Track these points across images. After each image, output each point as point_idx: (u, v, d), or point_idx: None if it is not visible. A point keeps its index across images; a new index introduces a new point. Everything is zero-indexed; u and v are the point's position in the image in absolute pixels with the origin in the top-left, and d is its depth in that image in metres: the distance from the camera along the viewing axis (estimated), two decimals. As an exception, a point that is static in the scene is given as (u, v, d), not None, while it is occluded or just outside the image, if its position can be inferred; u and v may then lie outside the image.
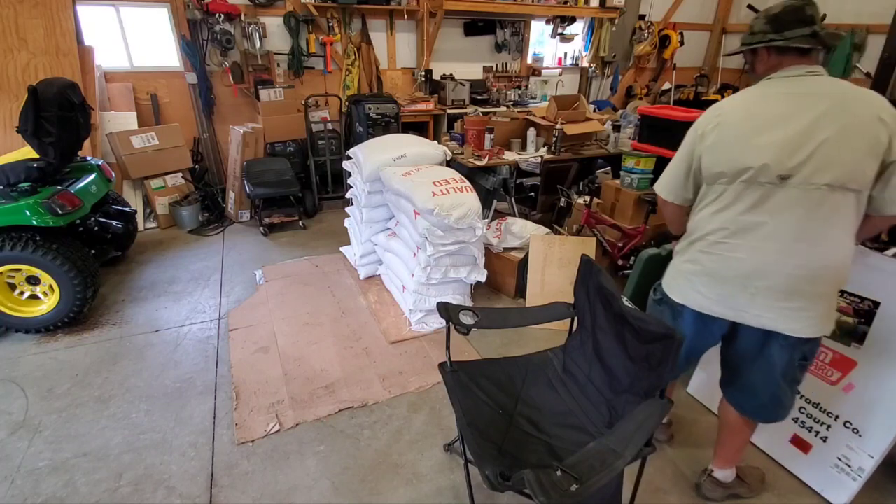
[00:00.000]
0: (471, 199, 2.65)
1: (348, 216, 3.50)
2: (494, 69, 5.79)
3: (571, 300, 1.81)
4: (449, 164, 3.30)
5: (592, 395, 1.65)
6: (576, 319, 1.81)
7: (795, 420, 1.93)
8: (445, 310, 1.64)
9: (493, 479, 1.22)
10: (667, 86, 6.41)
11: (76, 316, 2.74)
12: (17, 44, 3.57)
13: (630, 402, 1.48)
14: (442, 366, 1.69)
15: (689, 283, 1.51)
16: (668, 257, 1.67)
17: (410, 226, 2.78)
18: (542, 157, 3.68)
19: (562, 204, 3.67)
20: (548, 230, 3.26)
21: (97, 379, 2.40)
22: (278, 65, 4.70)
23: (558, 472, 1.07)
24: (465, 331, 1.60)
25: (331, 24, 4.72)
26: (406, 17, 4.97)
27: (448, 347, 1.67)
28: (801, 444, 1.92)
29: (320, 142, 4.59)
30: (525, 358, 1.85)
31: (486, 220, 3.12)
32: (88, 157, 3.27)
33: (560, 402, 1.69)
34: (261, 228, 4.16)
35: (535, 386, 1.75)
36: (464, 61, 5.60)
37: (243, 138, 4.23)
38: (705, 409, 2.27)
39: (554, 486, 1.05)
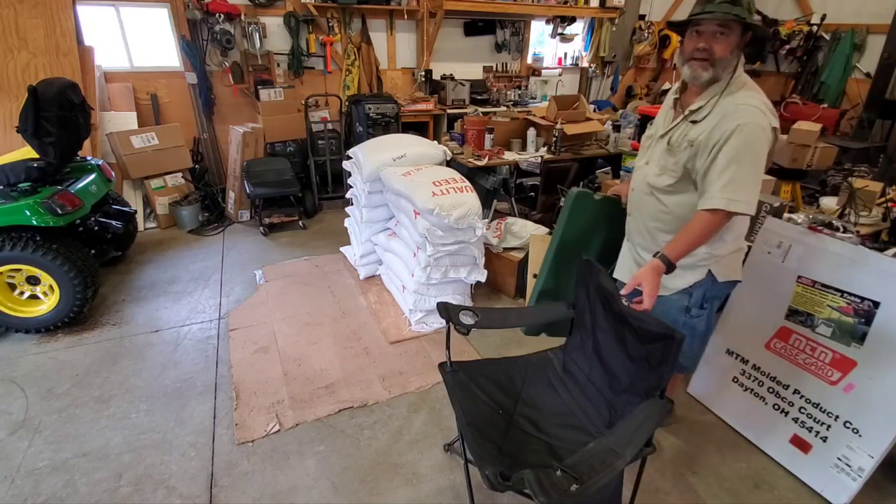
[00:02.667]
0: (471, 199, 2.65)
1: (348, 216, 3.50)
2: (494, 69, 5.79)
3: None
4: (449, 164, 3.30)
5: (592, 395, 1.65)
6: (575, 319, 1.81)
7: (795, 420, 1.94)
8: (445, 310, 1.64)
9: (493, 480, 1.22)
10: (667, 86, 6.41)
11: (76, 316, 2.74)
12: (17, 44, 3.57)
13: (630, 402, 1.47)
14: (442, 366, 1.69)
15: (739, 262, 1.71)
16: (601, 200, 1.96)
17: (410, 226, 2.78)
18: (542, 157, 3.67)
19: (562, 204, 3.67)
20: (548, 230, 3.25)
21: (97, 379, 2.40)
22: (278, 65, 4.69)
23: (558, 472, 1.07)
24: (465, 331, 1.60)
25: (331, 24, 4.72)
26: (406, 17, 4.96)
27: (448, 347, 1.67)
28: (801, 444, 1.92)
29: (320, 142, 4.59)
30: (525, 358, 1.85)
31: (486, 220, 3.12)
32: (88, 157, 3.26)
33: (560, 402, 1.69)
34: (261, 228, 4.15)
35: (535, 386, 1.75)
36: (464, 61, 5.60)
37: (243, 138, 4.22)
38: (705, 409, 2.27)
39: (554, 486, 1.05)
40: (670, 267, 1.48)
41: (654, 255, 1.51)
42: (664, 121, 1.64)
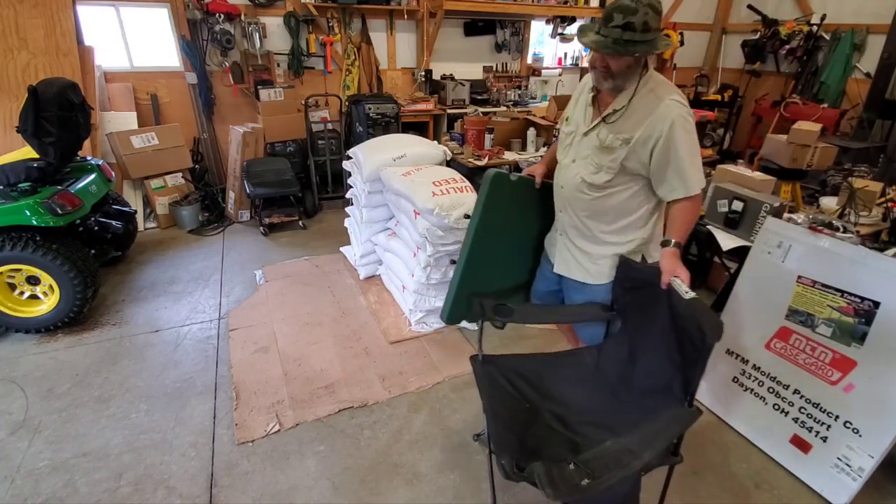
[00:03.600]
0: (471, 199, 2.65)
1: (348, 216, 3.50)
2: (494, 69, 5.79)
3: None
4: (449, 164, 3.30)
5: (624, 396, 1.64)
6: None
7: (795, 420, 1.94)
8: (480, 305, 1.67)
9: (509, 469, 1.23)
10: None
11: (76, 316, 2.74)
12: (17, 44, 3.56)
13: (663, 406, 1.45)
14: (473, 358, 1.72)
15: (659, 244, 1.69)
16: (517, 182, 1.82)
17: (410, 226, 2.78)
18: (542, 157, 3.67)
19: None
20: (548, 230, 3.25)
21: (97, 379, 2.40)
22: (278, 65, 4.69)
23: (571, 466, 1.07)
24: (501, 325, 1.67)
25: (331, 24, 4.72)
26: (406, 17, 4.96)
27: (480, 340, 1.71)
28: (801, 444, 1.92)
29: (320, 142, 4.59)
30: (556, 355, 1.86)
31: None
32: (88, 157, 3.26)
33: (589, 402, 1.68)
34: (261, 228, 4.15)
35: (564, 383, 1.74)
36: (464, 61, 5.60)
37: (243, 138, 4.22)
38: (705, 409, 2.27)
39: (564, 480, 1.05)
40: (682, 249, 1.57)
41: (665, 245, 1.56)
42: (584, 119, 1.64)
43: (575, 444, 1.52)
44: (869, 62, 5.08)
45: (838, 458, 1.80)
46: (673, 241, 1.54)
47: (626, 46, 1.37)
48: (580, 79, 6.60)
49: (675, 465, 1.34)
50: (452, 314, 1.95)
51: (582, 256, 1.73)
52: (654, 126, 1.48)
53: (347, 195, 3.49)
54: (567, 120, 1.73)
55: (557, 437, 1.54)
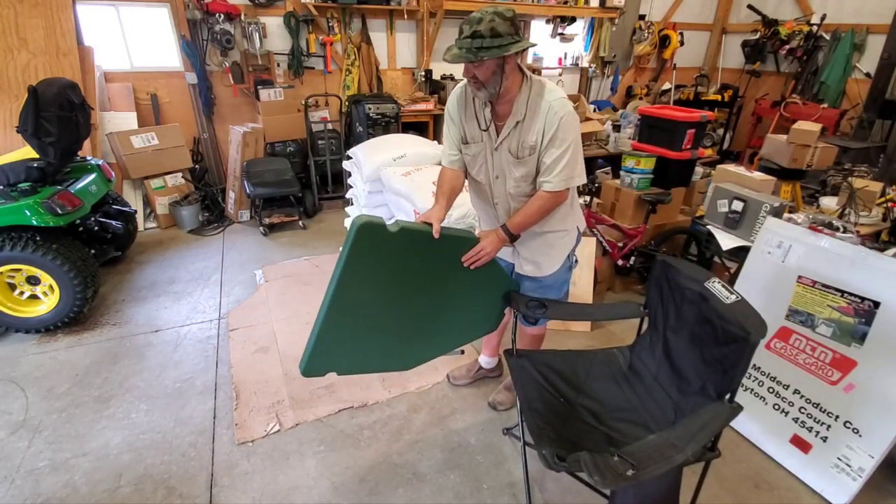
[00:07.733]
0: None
1: (348, 216, 3.50)
2: (494, 69, 5.78)
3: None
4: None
5: (658, 395, 1.65)
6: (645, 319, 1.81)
7: (795, 420, 1.94)
8: (514, 300, 1.74)
9: (550, 459, 1.24)
10: (667, 86, 6.41)
11: (76, 316, 2.74)
12: (17, 44, 3.56)
13: (698, 405, 1.45)
14: (507, 352, 1.78)
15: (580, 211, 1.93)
16: (400, 232, 1.48)
17: (410, 226, 2.78)
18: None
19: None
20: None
21: (97, 379, 2.40)
22: (278, 65, 4.69)
23: (615, 458, 1.08)
24: (534, 321, 1.75)
25: (331, 24, 4.72)
26: (406, 17, 4.96)
27: (514, 335, 1.82)
28: (801, 444, 1.92)
29: (320, 142, 4.59)
30: (590, 352, 1.87)
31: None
32: (88, 157, 3.26)
33: (623, 399, 1.70)
34: (261, 228, 4.16)
35: (598, 380, 1.76)
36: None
37: (243, 138, 4.23)
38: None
39: (609, 469, 1.06)
40: (512, 238, 1.69)
41: (503, 226, 1.69)
42: (489, 136, 1.66)
43: (611, 439, 1.54)
44: (869, 62, 5.08)
45: (838, 458, 1.80)
46: (504, 224, 1.68)
47: (477, 53, 1.42)
48: (580, 79, 6.61)
49: (711, 459, 1.35)
50: (309, 368, 1.57)
51: (530, 256, 1.83)
52: (548, 125, 1.55)
53: (347, 195, 3.49)
54: (463, 140, 1.74)
55: (594, 432, 1.57)
